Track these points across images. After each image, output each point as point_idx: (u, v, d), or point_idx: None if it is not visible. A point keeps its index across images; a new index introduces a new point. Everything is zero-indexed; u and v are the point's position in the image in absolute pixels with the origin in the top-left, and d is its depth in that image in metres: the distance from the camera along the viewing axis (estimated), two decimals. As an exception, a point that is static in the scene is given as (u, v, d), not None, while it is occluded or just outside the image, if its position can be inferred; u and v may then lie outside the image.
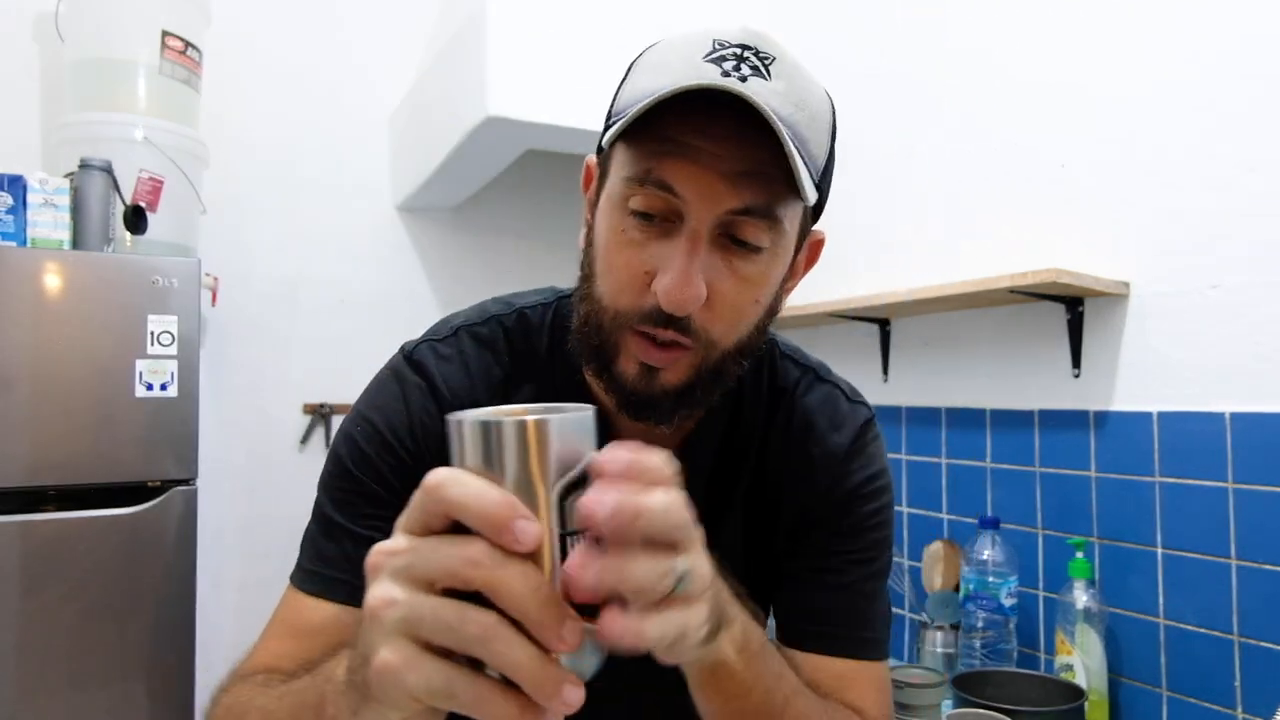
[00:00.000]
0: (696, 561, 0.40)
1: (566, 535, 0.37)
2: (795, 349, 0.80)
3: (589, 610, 0.37)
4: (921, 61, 1.82)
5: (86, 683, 1.68)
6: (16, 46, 2.25)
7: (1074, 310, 1.46)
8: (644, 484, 0.37)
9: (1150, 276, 1.36)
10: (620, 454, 0.37)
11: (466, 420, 0.37)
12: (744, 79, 0.55)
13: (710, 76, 0.55)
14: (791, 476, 0.74)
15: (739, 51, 0.56)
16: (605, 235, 0.61)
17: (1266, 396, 1.20)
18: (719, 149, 0.55)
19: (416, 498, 0.38)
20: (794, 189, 0.56)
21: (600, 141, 0.62)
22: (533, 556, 0.36)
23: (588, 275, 0.64)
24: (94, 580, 1.70)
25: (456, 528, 0.36)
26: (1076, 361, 1.47)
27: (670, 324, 0.58)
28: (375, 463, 0.68)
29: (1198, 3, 1.31)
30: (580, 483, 0.37)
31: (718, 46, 0.57)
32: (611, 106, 0.63)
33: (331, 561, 0.67)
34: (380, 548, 0.38)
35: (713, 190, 0.56)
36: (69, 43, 2.08)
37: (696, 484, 0.73)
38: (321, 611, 0.67)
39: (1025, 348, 1.57)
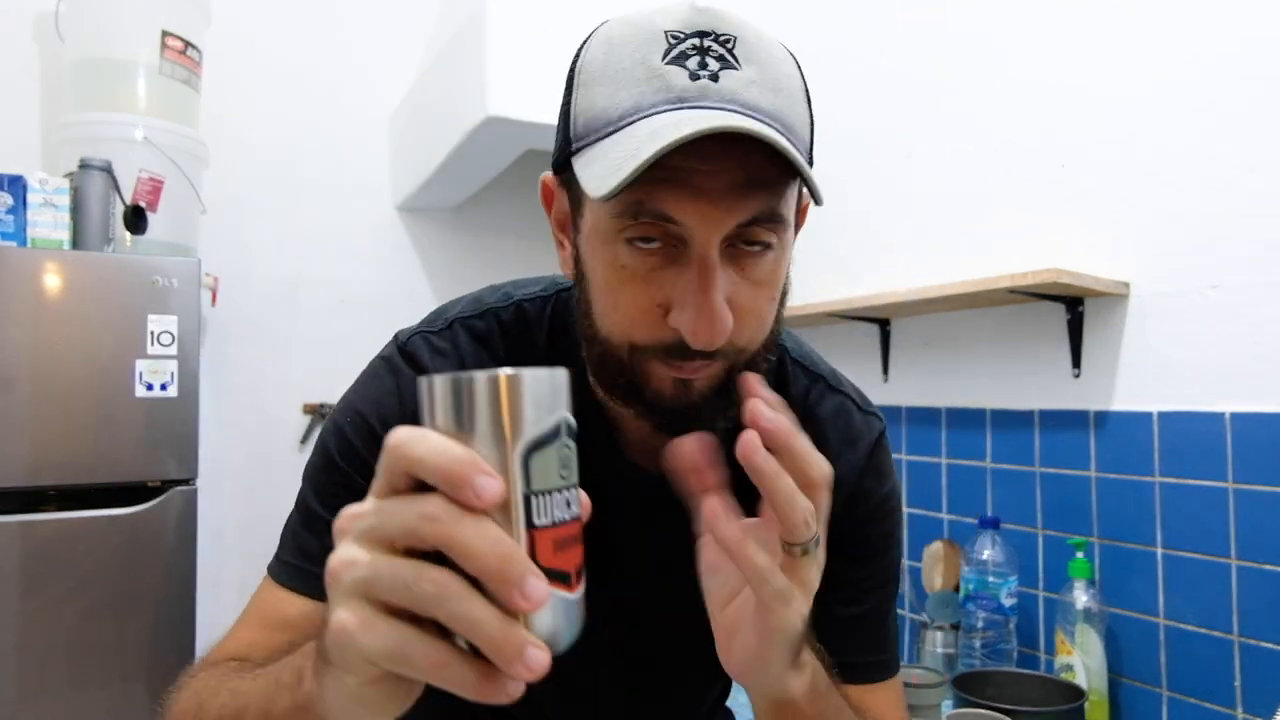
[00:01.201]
0: (818, 550, 0.45)
1: (532, 495, 0.36)
2: (806, 354, 0.77)
3: (561, 577, 0.37)
4: (922, 61, 1.82)
5: (86, 683, 1.68)
6: (16, 46, 2.25)
7: (1074, 310, 1.46)
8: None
9: (1150, 276, 1.36)
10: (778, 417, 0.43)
11: (437, 377, 0.37)
12: (715, 76, 0.51)
13: (679, 85, 0.51)
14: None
15: (697, 42, 0.52)
16: (601, 271, 0.56)
17: (1266, 396, 1.20)
18: (712, 165, 0.51)
19: (381, 458, 0.37)
20: (792, 179, 0.53)
21: (554, 163, 0.57)
22: (501, 517, 0.36)
23: (587, 312, 0.59)
24: (94, 580, 1.70)
25: (425, 489, 0.36)
26: (1076, 361, 1.47)
27: (697, 355, 0.55)
28: (364, 456, 0.66)
29: (1198, 3, 1.31)
30: (548, 441, 0.37)
31: (672, 41, 0.52)
32: (569, 124, 0.57)
33: (312, 556, 0.66)
34: (346, 511, 0.38)
35: (714, 211, 0.51)
36: (69, 43, 2.08)
37: None
38: (296, 605, 0.65)
39: (1025, 348, 1.57)
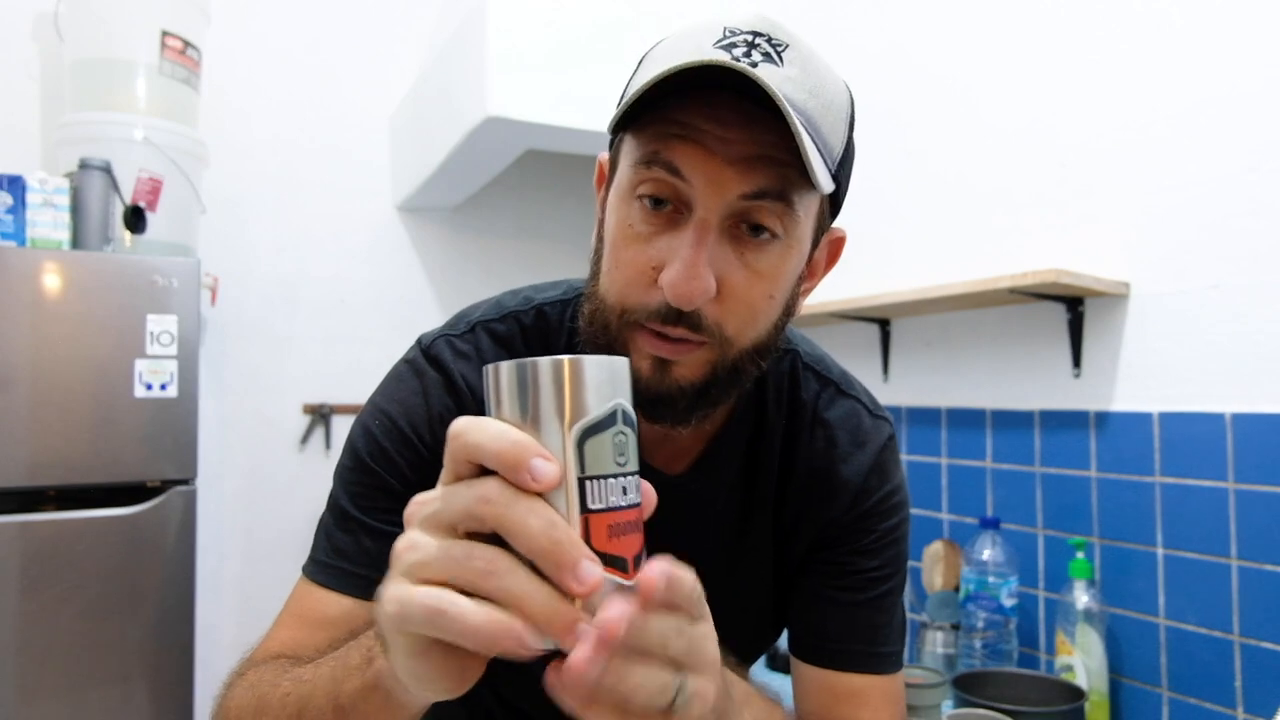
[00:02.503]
0: (702, 684, 0.40)
1: (586, 479, 0.37)
2: (819, 359, 0.78)
3: (617, 563, 0.37)
4: (921, 61, 1.82)
5: (86, 683, 1.68)
6: (16, 46, 2.25)
7: (1074, 310, 1.46)
8: (669, 602, 0.38)
9: (1150, 276, 1.36)
10: (658, 566, 0.37)
11: (502, 363, 0.38)
12: (754, 64, 0.53)
13: (716, 62, 0.53)
14: (814, 492, 0.74)
15: (750, 38, 0.55)
16: (613, 230, 0.60)
17: (1266, 396, 1.20)
18: (728, 133, 0.53)
19: (445, 447, 0.38)
20: (808, 176, 0.53)
21: (609, 128, 0.60)
22: (558, 502, 0.36)
23: (595, 273, 0.62)
24: (94, 580, 1.70)
25: (487, 474, 0.37)
26: (1076, 361, 1.46)
27: (680, 320, 0.56)
28: (393, 457, 0.67)
29: (1197, 3, 1.31)
30: (603, 426, 0.38)
31: (728, 34, 0.55)
32: (622, 99, 0.61)
33: (346, 555, 0.67)
34: (415, 499, 0.39)
35: (721, 175, 0.54)
36: (69, 43, 2.08)
37: (720, 491, 0.73)
38: (335, 605, 0.66)
39: (1025, 348, 1.57)
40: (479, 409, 0.67)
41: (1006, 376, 1.61)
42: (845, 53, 2.01)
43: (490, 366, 0.39)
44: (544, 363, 0.37)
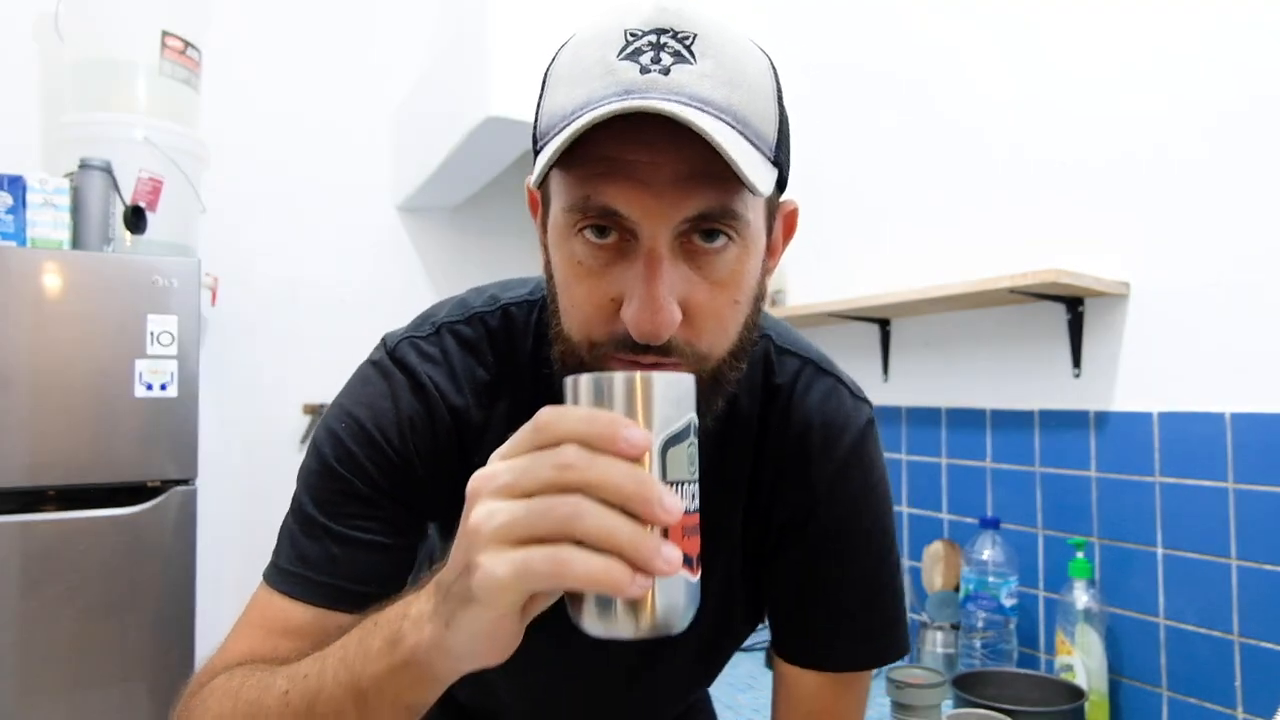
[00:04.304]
0: None
1: (667, 484, 0.41)
2: (793, 340, 0.75)
3: (685, 560, 0.41)
4: (920, 61, 1.82)
5: (86, 683, 1.68)
6: (16, 46, 2.25)
7: (1074, 310, 1.46)
8: None
9: (1150, 276, 1.36)
10: None
11: (581, 377, 0.42)
12: (666, 70, 0.50)
13: (628, 79, 0.50)
14: (792, 479, 0.72)
15: (655, 39, 0.51)
16: (561, 268, 0.57)
17: (1266, 396, 1.20)
18: (657, 157, 0.50)
19: (525, 433, 0.41)
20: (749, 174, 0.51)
21: (531, 173, 0.56)
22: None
23: (555, 311, 0.60)
24: (94, 580, 1.70)
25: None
26: (1076, 361, 1.47)
27: (649, 349, 0.54)
28: (361, 462, 0.65)
29: (1197, 6, 1.31)
30: (682, 437, 0.42)
31: (630, 38, 0.52)
32: (536, 126, 0.58)
33: (312, 563, 0.65)
34: (479, 474, 0.41)
35: (659, 204, 0.51)
36: (69, 43, 2.08)
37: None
38: (300, 613, 0.64)
39: (1025, 348, 1.57)
40: (448, 412, 0.68)
41: (1006, 376, 1.61)
42: (844, 52, 2.01)
43: (569, 378, 0.42)
44: (620, 378, 0.41)
